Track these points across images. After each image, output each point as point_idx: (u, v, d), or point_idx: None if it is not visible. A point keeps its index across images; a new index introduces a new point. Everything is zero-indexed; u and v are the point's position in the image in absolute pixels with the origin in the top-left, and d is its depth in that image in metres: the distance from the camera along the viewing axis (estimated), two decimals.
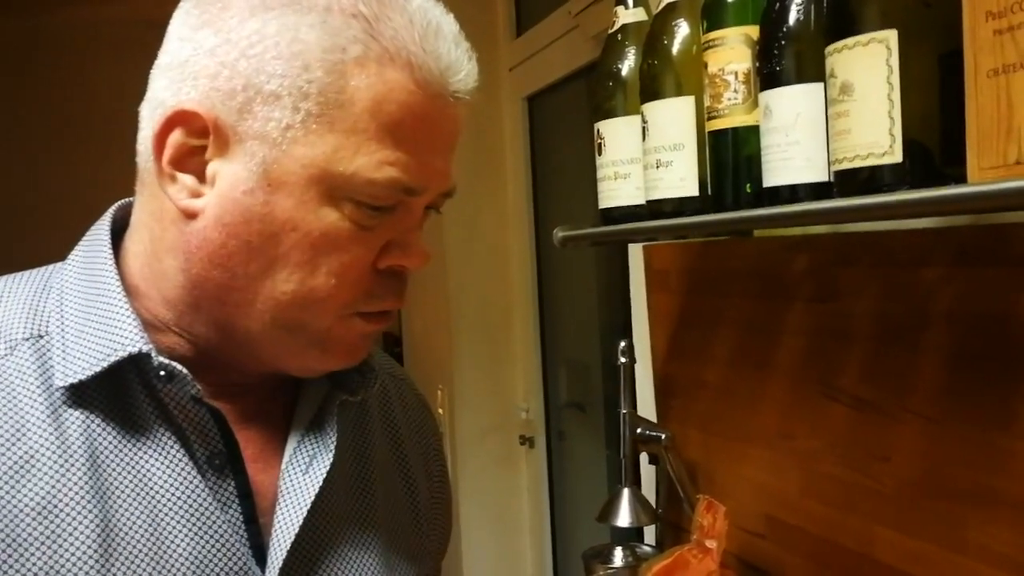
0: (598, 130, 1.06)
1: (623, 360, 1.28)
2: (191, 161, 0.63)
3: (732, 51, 0.84)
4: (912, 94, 0.65)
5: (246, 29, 0.61)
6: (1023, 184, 0.53)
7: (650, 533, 1.44)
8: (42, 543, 0.59)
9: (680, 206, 0.94)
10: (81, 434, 0.62)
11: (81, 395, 0.63)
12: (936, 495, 0.90)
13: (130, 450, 0.64)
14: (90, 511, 0.61)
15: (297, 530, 0.66)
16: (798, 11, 0.76)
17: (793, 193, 0.77)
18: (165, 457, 0.64)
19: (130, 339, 0.63)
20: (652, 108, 0.95)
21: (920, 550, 0.92)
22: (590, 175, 1.11)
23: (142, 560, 0.62)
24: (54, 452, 0.61)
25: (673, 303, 1.36)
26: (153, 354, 0.63)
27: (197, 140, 0.63)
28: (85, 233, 0.71)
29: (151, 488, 0.63)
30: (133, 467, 0.63)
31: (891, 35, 0.64)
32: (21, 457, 0.61)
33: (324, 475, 0.69)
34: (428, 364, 2.91)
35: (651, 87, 0.95)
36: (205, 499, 0.64)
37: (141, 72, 0.67)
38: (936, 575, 0.90)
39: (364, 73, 0.61)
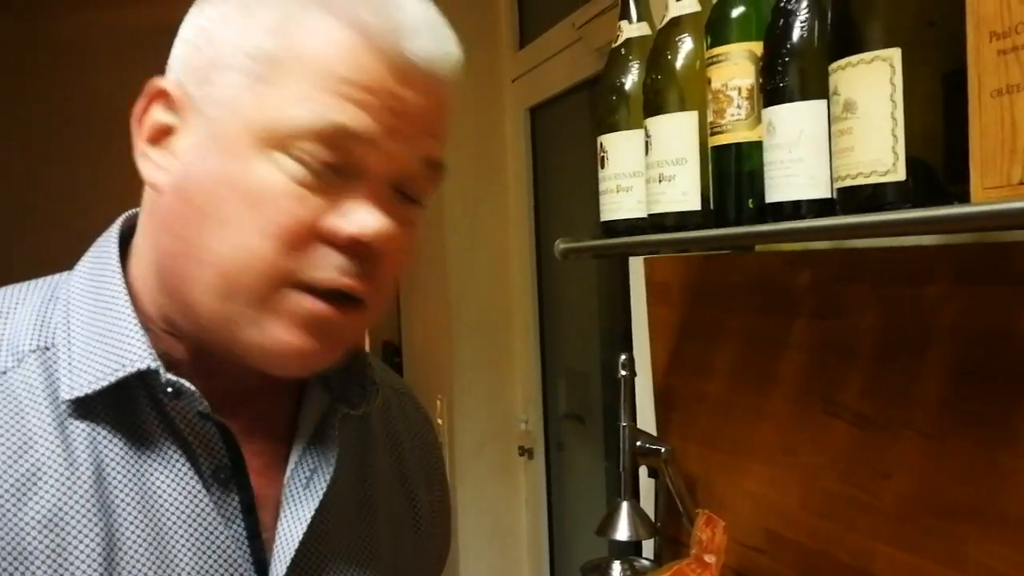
0: (601, 143, 1.07)
1: (623, 373, 1.28)
2: (165, 140, 0.65)
3: (736, 67, 0.84)
4: (915, 112, 0.65)
5: (212, 11, 0.65)
6: None
7: (649, 547, 1.44)
8: (47, 556, 0.59)
9: (682, 220, 0.94)
10: (87, 447, 0.62)
11: (87, 408, 0.63)
12: (936, 512, 0.90)
13: (135, 463, 0.63)
14: (95, 524, 0.61)
15: (297, 545, 0.66)
16: (802, 28, 0.76)
17: (796, 209, 0.77)
18: (170, 471, 0.64)
19: (138, 355, 0.63)
20: (655, 122, 0.95)
21: (919, 567, 0.92)
22: (591, 187, 1.12)
23: (146, 574, 0.62)
24: (60, 465, 0.61)
25: (674, 316, 1.36)
26: (161, 371, 0.63)
27: (171, 118, 0.65)
28: (85, 235, 0.71)
29: (156, 501, 0.63)
30: (138, 480, 0.63)
31: (895, 53, 0.65)
32: (28, 470, 0.60)
33: (324, 489, 0.68)
34: (427, 374, 2.90)
35: (654, 101, 0.96)
36: (209, 513, 0.64)
37: (141, 75, 0.68)
38: None
39: (311, 34, 0.62)
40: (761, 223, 0.82)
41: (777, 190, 0.78)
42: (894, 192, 0.66)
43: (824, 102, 0.74)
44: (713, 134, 0.88)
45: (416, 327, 3.13)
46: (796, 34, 0.77)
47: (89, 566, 0.60)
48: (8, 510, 0.59)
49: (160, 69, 0.67)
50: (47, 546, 0.59)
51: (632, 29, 1.05)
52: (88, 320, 0.65)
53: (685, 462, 1.31)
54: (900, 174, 0.65)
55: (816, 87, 0.75)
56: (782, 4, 0.78)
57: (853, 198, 0.69)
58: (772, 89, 0.78)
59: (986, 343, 0.84)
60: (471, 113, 2.54)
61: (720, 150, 0.87)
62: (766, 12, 0.82)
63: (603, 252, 1.19)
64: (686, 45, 0.94)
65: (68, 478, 0.61)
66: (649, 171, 0.97)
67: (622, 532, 1.23)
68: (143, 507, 0.63)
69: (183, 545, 0.63)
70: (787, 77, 0.77)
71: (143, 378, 0.63)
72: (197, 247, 0.62)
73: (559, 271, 2.42)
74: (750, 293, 1.19)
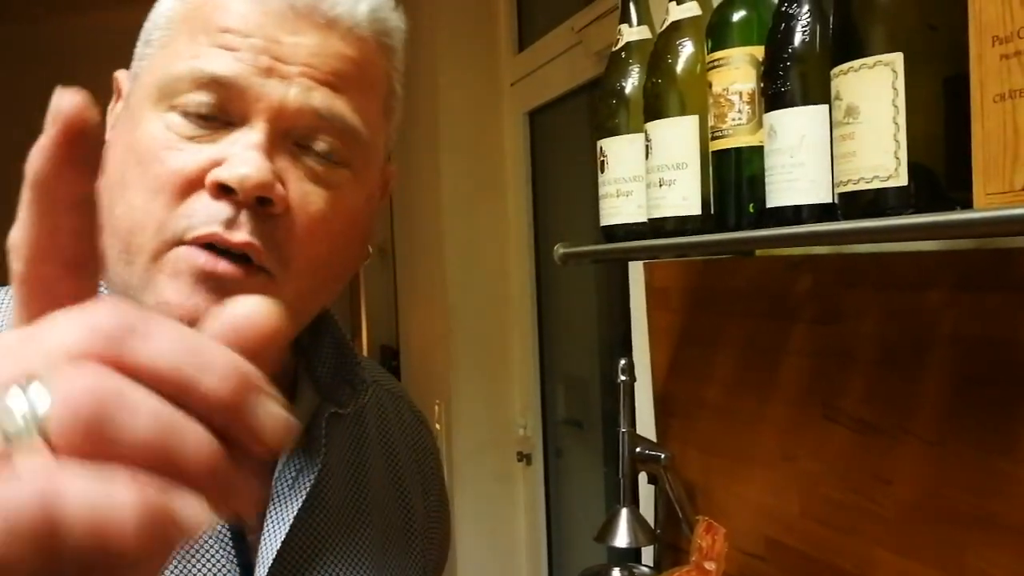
0: (601, 148, 1.06)
1: (623, 378, 1.28)
2: None
3: (737, 71, 0.84)
4: (917, 117, 0.65)
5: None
6: None
7: (648, 554, 1.43)
8: None
9: (682, 225, 0.94)
10: None
11: None
12: (937, 519, 0.89)
13: None
14: None
15: (279, 546, 0.66)
16: (804, 33, 0.76)
17: (797, 214, 0.77)
18: None
19: None
20: (655, 127, 0.95)
21: (920, 573, 0.91)
22: (591, 191, 1.11)
23: None
24: None
25: (674, 321, 1.36)
26: None
27: (120, 107, 0.67)
28: None
29: None
30: None
31: (897, 58, 0.64)
32: None
33: (308, 489, 0.68)
34: (425, 379, 2.90)
35: (655, 106, 0.95)
36: None
37: None
38: None
39: None
40: (762, 228, 0.82)
41: (778, 195, 0.78)
42: (896, 197, 0.65)
43: (826, 107, 0.73)
44: (714, 138, 0.87)
45: (414, 331, 3.12)
46: (798, 38, 0.76)
47: None
48: None
49: None
50: None
51: (632, 33, 1.05)
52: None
53: (685, 468, 1.31)
54: (902, 179, 0.65)
55: (818, 92, 0.75)
56: (783, 8, 0.78)
57: (855, 203, 0.68)
58: (774, 94, 0.78)
59: (987, 349, 0.84)
60: (469, 117, 2.54)
61: (721, 155, 0.87)
62: (767, 16, 0.82)
63: (603, 257, 1.18)
64: (687, 49, 0.93)
65: None
66: (649, 175, 0.96)
67: (622, 539, 1.22)
68: None
69: None
70: (789, 82, 0.77)
71: None
72: (109, 217, 0.61)
73: (558, 275, 2.42)
74: (751, 298, 1.19)
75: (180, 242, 0.59)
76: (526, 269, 2.54)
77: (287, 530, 0.66)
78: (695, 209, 0.93)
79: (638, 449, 1.27)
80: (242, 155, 0.59)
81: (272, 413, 0.30)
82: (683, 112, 0.93)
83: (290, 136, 0.62)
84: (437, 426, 2.65)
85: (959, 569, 0.86)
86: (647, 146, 0.96)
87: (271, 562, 0.65)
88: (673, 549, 1.34)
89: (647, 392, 1.44)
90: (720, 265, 1.25)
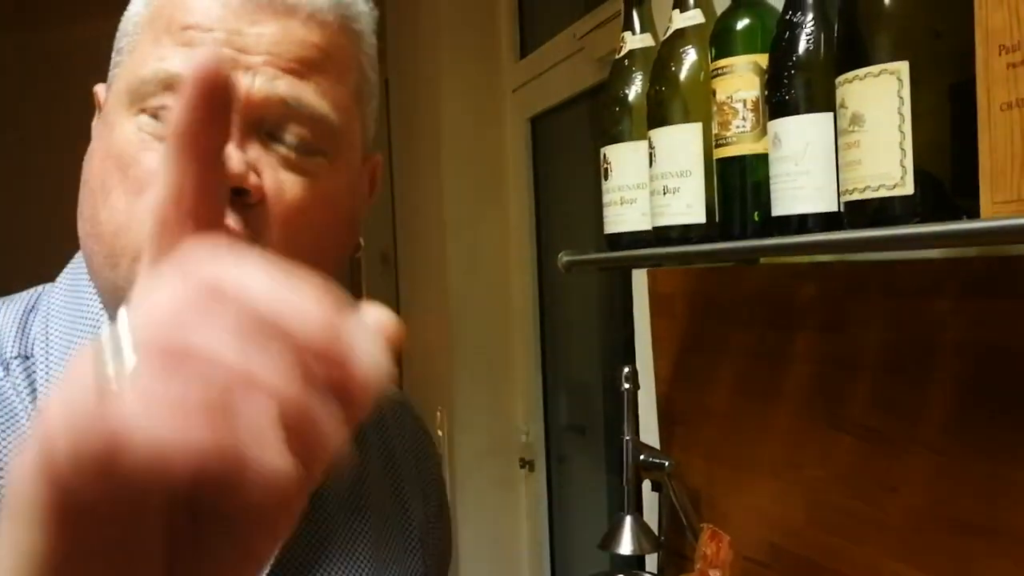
0: (604, 155, 1.06)
1: (627, 386, 1.27)
2: None
3: (741, 79, 0.84)
4: (923, 125, 0.64)
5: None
6: None
7: (652, 561, 1.43)
8: None
9: (686, 233, 0.94)
10: None
11: None
12: (943, 527, 0.89)
13: None
14: None
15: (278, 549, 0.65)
16: (808, 41, 0.76)
17: (802, 223, 0.77)
18: None
19: None
20: (659, 134, 0.95)
21: None
22: (593, 197, 1.11)
23: None
24: None
25: (677, 328, 1.35)
26: None
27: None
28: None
29: None
30: None
31: (903, 67, 0.64)
32: None
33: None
34: (428, 385, 2.89)
35: (658, 113, 0.95)
36: None
37: None
38: None
39: None
40: (766, 236, 0.81)
41: (783, 203, 0.78)
42: (902, 206, 0.65)
43: (830, 115, 0.73)
44: (718, 146, 0.87)
45: (416, 338, 3.12)
46: (802, 47, 0.76)
47: None
48: None
49: None
50: None
51: (635, 40, 1.05)
52: (67, 330, 0.65)
53: (689, 476, 1.30)
54: (908, 188, 0.65)
55: (822, 100, 0.74)
56: (788, 16, 0.78)
57: (860, 212, 0.68)
58: (778, 102, 0.78)
59: (994, 357, 0.83)
60: (471, 123, 2.53)
61: (725, 162, 0.87)
62: (771, 24, 0.82)
63: (607, 265, 1.18)
64: (690, 57, 0.93)
65: None
66: (653, 183, 0.96)
67: (626, 546, 1.22)
68: None
69: None
70: (793, 89, 0.77)
71: None
72: (95, 224, 0.62)
73: (560, 281, 2.42)
74: (755, 306, 1.18)
75: None
76: (528, 275, 2.53)
77: None
78: (699, 217, 0.93)
79: (642, 457, 1.27)
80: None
81: (370, 351, 0.31)
82: (687, 120, 0.93)
83: (261, 126, 0.62)
84: (439, 432, 2.65)
85: None
86: (651, 153, 0.96)
87: (271, 565, 0.65)
88: (678, 557, 1.34)
89: (650, 399, 1.44)
90: (724, 273, 1.25)
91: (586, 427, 2.38)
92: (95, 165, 0.64)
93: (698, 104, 0.92)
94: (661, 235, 0.96)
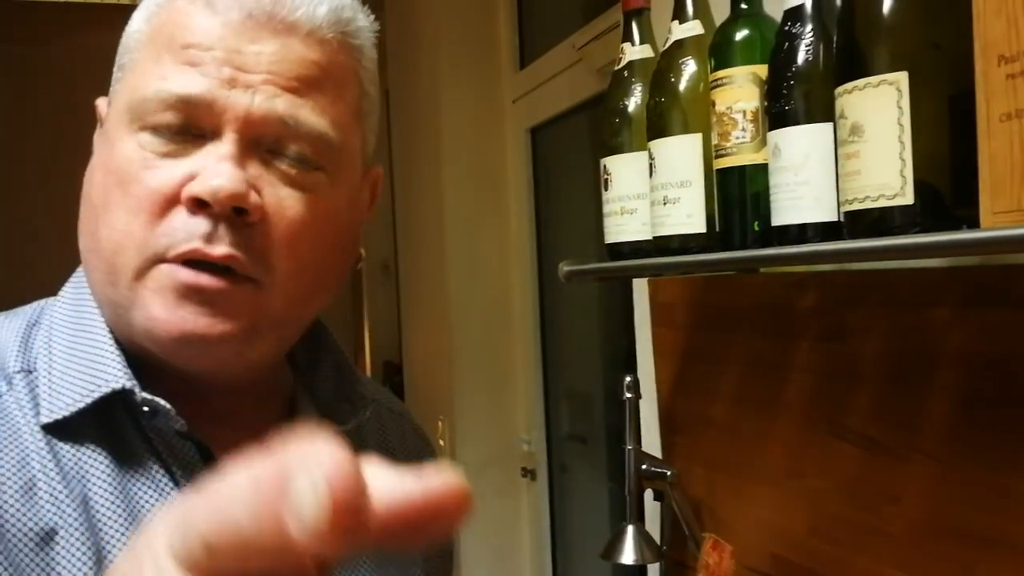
0: (604, 166, 1.06)
1: (628, 395, 1.27)
2: None
3: (740, 90, 0.84)
4: (922, 135, 0.65)
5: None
6: None
7: (654, 571, 1.43)
8: (41, 570, 0.59)
9: (687, 243, 0.94)
10: (74, 467, 0.62)
11: (71, 430, 0.62)
12: (945, 537, 0.89)
13: (122, 483, 0.63)
14: (85, 543, 0.60)
15: None
16: (807, 52, 0.76)
17: (802, 232, 0.77)
18: (155, 490, 0.63)
19: (112, 375, 0.62)
20: (659, 145, 0.95)
21: None
22: (593, 207, 1.11)
23: None
24: (54, 481, 0.61)
25: (678, 338, 1.36)
26: (137, 390, 0.62)
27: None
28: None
29: (142, 520, 0.63)
30: (125, 500, 0.63)
31: (902, 77, 0.64)
32: (25, 483, 0.60)
33: None
34: (429, 394, 2.89)
35: (658, 124, 0.95)
36: None
37: None
38: None
39: (165, 9, 0.64)
40: (766, 246, 0.82)
41: (783, 213, 0.78)
42: (902, 216, 0.65)
43: (830, 125, 0.73)
44: (718, 156, 0.87)
45: (417, 347, 3.12)
46: (801, 57, 0.77)
47: None
48: (7, 520, 0.59)
49: None
50: (41, 559, 0.59)
51: (635, 51, 1.05)
52: (69, 344, 0.65)
53: (691, 485, 1.30)
54: (908, 198, 0.65)
55: (821, 110, 0.75)
56: (787, 27, 0.78)
57: (860, 221, 0.68)
58: (777, 112, 0.78)
59: (995, 366, 0.83)
60: (471, 134, 2.54)
61: (725, 173, 0.87)
62: (770, 35, 0.82)
63: (607, 275, 1.18)
64: (690, 68, 0.94)
65: (60, 493, 0.60)
66: (653, 193, 0.96)
67: (628, 556, 1.22)
68: (130, 525, 0.62)
69: None
70: (792, 100, 0.77)
71: (123, 398, 0.63)
72: (94, 240, 0.63)
73: (561, 291, 2.42)
74: (756, 315, 1.18)
75: (162, 260, 0.61)
76: (529, 285, 2.54)
77: None
78: (699, 227, 0.93)
79: (644, 466, 1.27)
80: (214, 168, 0.60)
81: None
82: (686, 130, 0.93)
83: (261, 144, 0.62)
84: (441, 442, 2.64)
85: None
86: (651, 164, 0.96)
87: None
88: (679, 566, 1.34)
89: (652, 409, 1.44)
90: (725, 282, 1.25)
91: (588, 436, 2.37)
92: (96, 180, 0.64)
93: (698, 115, 0.92)
94: (661, 245, 0.96)
